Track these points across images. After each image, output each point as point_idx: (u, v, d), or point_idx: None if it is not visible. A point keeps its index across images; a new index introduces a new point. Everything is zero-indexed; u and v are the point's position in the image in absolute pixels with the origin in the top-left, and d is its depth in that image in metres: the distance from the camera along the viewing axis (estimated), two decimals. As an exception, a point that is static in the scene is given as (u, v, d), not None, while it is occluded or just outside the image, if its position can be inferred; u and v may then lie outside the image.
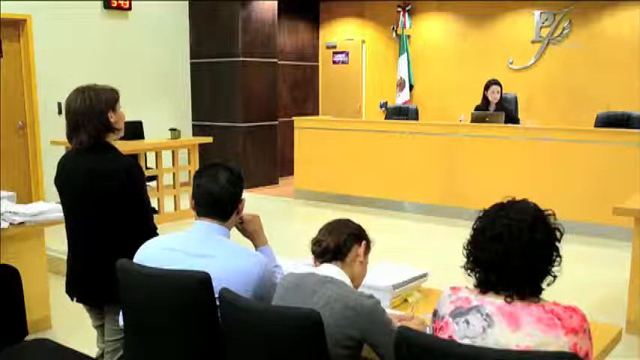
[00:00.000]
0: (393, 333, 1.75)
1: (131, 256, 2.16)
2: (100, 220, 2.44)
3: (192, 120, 9.23)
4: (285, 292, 1.94)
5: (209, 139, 7.49)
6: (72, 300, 2.61)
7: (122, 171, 2.42)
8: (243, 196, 2.21)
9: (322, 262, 2.00)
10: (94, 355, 2.68)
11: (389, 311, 2.07)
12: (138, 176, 2.48)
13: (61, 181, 2.55)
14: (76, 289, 2.58)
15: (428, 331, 1.93)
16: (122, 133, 2.56)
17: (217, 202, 2.11)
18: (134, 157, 6.35)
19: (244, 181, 2.21)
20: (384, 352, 1.79)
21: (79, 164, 2.48)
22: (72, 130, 2.45)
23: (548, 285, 1.61)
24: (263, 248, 2.32)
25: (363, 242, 2.06)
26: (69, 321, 3.81)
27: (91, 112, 2.42)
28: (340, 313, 1.77)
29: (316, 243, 2.03)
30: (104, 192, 2.40)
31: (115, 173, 2.40)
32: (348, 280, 1.94)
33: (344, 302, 1.79)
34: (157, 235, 2.44)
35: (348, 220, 2.12)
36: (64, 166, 2.55)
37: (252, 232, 2.32)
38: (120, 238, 2.43)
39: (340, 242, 1.99)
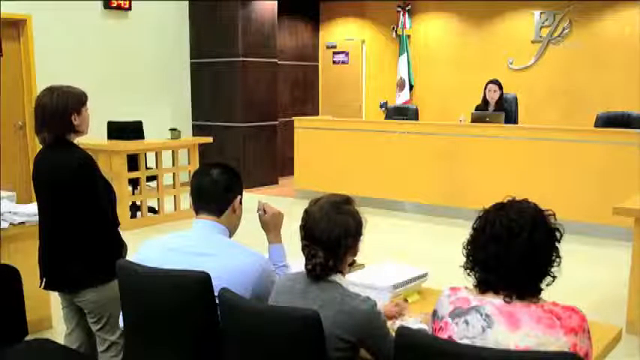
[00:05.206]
0: (389, 335, 1.75)
1: (93, 245, 2.51)
2: (57, 209, 2.56)
3: (192, 120, 9.23)
4: (278, 293, 1.93)
5: (209, 139, 7.49)
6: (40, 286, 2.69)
7: (75, 163, 2.53)
8: (241, 196, 2.21)
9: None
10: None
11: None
12: (90, 168, 2.58)
13: (33, 177, 2.67)
14: (43, 276, 2.67)
15: (421, 325, 1.93)
16: (85, 134, 2.69)
17: (207, 192, 2.14)
18: (134, 157, 6.47)
19: (240, 178, 2.22)
20: (379, 355, 1.79)
21: (44, 159, 2.62)
22: (38, 127, 2.59)
23: (548, 285, 1.60)
24: (276, 245, 2.35)
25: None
26: (69, 321, 3.81)
27: (56, 112, 2.54)
28: (335, 317, 1.74)
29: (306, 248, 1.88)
30: (59, 182, 2.53)
31: (69, 165, 2.52)
32: (344, 282, 1.89)
33: (339, 307, 1.76)
34: (116, 226, 2.65)
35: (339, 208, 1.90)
36: (35, 162, 2.67)
37: (271, 226, 2.34)
38: (76, 226, 2.53)
39: (331, 238, 1.83)
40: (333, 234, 1.82)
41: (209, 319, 1.93)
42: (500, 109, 6.76)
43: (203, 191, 2.15)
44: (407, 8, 9.53)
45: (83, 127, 2.62)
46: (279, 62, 9.41)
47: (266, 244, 2.36)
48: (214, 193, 2.14)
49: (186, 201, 6.99)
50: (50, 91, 2.59)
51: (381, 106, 9.66)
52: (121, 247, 2.65)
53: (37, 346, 2.38)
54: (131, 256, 2.20)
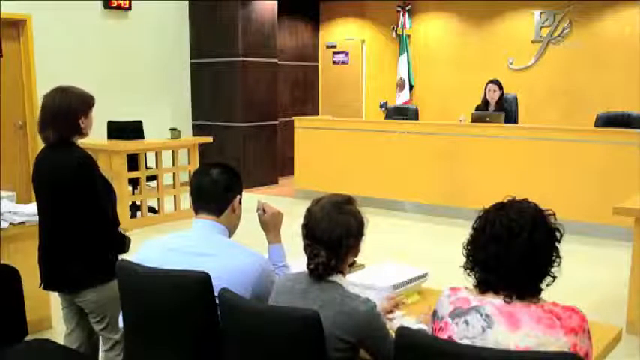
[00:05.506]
0: (389, 337, 1.75)
1: (93, 245, 2.50)
2: (57, 209, 2.56)
3: (192, 120, 9.23)
4: (278, 293, 1.92)
5: (209, 139, 7.50)
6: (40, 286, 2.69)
7: (74, 163, 2.53)
8: (241, 196, 2.21)
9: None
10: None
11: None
12: (89, 168, 2.58)
13: (33, 178, 2.67)
14: (43, 276, 2.67)
15: (421, 325, 1.93)
16: (87, 136, 2.68)
17: (207, 192, 2.14)
18: (134, 157, 6.47)
19: (240, 178, 2.22)
20: (378, 356, 1.79)
21: (45, 159, 2.62)
22: (43, 126, 2.58)
23: (548, 285, 1.60)
24: (275, 245, 2.35)
25: None
26: (69, 321, 3.80)
27: (63, 114, 2.54)
28: (335, 317, 1.74)
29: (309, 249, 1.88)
30: (59, 182, 2.53)
31: (69, 165, 2.52)
32: (344, 282, 1.89)
33: (339, 307, 1.76)
34: (116, 226, 2.66)
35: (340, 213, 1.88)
36: (35, 163, 2.67)
37: (270, 226, 2.34)
38: (76, 226, 2.53)
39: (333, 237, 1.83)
40: (334, 234, 1.82)
41: (209, 319, 1.93)
42: (501, 109, 6.76)
43: (203, 191, 2.15)
44: (407, 8, 9.53)
45: (88, 129, 2.63)
46: (279, 62, 9.41)
47: (266, 244, 2.36)
48: (214, 193, 2.14)
49: (186, 201, 6.99)
50: (60, 91, 2.58)
51: (381, 106, 9.66)
52: (123, 244, 2.66)
53: (37, 346, 2.38)
54: (131, 256, 2.21)
